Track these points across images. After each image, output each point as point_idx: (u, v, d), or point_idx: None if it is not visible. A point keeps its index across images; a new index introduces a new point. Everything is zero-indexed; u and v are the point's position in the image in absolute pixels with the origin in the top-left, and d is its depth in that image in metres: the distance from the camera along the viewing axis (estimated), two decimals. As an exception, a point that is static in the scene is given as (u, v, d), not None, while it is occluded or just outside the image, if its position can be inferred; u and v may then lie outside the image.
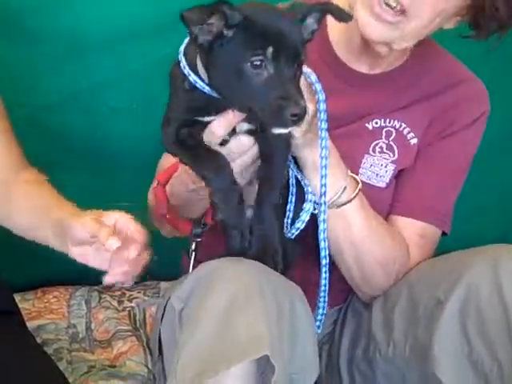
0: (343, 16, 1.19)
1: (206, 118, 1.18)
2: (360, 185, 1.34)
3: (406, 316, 1.36)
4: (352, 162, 1.35)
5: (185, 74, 1.16)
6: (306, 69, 1.19)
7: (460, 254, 1.35)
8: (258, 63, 1.08)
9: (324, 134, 1.24)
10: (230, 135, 1.19)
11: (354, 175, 1.34)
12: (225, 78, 1.12)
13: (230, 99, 1.14)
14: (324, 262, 1.31)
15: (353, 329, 1.50)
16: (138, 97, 1.83)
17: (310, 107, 1.18)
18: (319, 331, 1.34)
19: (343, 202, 1.31)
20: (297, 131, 1.20)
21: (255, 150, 1.22)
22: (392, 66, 1.46)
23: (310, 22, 1.17)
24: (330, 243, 1.33)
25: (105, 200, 1.93)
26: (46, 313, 1.96)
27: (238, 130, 1.19)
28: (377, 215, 1.40)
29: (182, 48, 1.18)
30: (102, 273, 2.08)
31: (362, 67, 1.45)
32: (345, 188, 1.31)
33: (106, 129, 1.90)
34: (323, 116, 1.23)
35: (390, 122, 1.45)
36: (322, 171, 1.25)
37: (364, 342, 1.46)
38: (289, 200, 1.29)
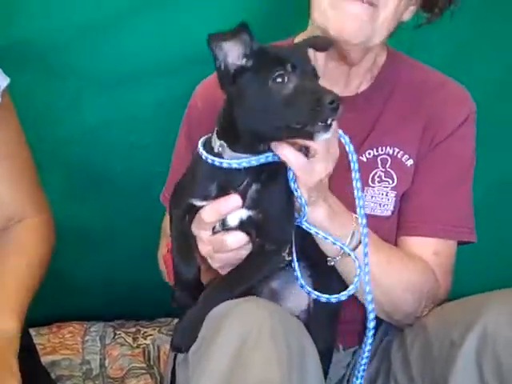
0: (325, 44, 1.25)
1: (203, 203, 1.20)
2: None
3: (422, 356, 1.33)
4: (352, 198, 1.30)
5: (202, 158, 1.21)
6: (340, 131, 1.21)
7: (476, 296, 1.31)
8: (280, 79, 1.11)
9: (357, 175, 1.23)
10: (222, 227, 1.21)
11: (356, 215, 1.30)
12: (253, 107, 1.14)
13: (264, 130, 1.14)
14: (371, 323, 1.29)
15: (371, 369, 1.46)
16: (157, 133, 1.84)
17: (325, 167, 1.19)
18: None
19: (354, 247, 1.29)
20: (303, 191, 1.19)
21: (249, 248, 1.22)
22: (365, 84, 1.45)
23: None
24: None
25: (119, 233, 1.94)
26: (61, 348, 1.96)
27: (230, 222, 1.20)
28: (389, 246, 1.38)
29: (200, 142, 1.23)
30: (117, 309, 2.06)
31: (339, 90, 1.41)
32: (353, 233, 1.29)
33: (125, 164, 1.91)
34: (356, 167, 1.24)
35: (382, 150, 1.43)
36: (360, 211, 1.26)
37: (382, 382, 1.42)
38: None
